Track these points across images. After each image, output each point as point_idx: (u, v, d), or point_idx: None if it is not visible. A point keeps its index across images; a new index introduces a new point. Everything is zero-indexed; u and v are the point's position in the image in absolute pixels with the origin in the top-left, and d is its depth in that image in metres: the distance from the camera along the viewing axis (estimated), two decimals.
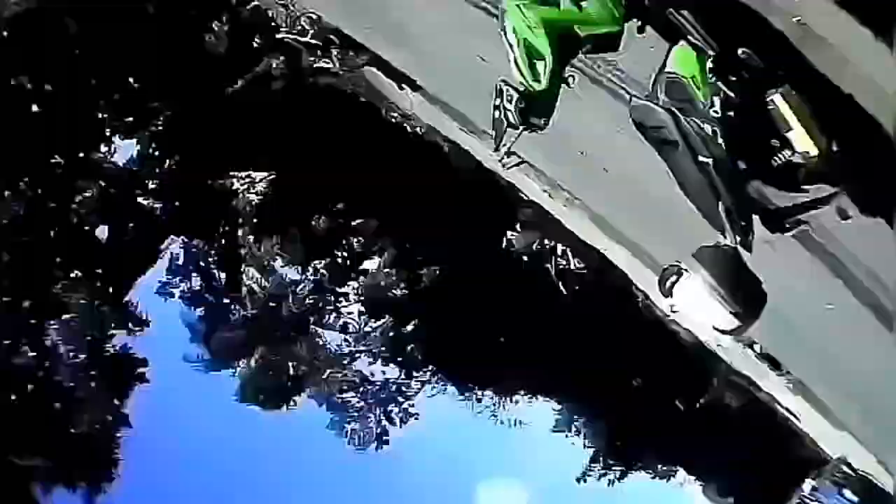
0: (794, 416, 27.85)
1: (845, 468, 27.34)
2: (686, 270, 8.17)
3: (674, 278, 8.31)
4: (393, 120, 25.81)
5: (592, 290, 23.97)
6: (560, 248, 21.08)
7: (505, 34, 7.98)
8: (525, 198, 22.49)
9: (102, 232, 33.21)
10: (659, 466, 43.35)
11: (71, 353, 31.31)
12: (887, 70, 7.90)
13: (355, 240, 34.56)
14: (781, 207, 8.95)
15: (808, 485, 28.56)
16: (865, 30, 8.07)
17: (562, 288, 21.36)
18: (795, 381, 23.33)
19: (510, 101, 8.33)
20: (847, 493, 26.86)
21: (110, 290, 33.04)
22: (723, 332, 8.22)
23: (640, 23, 7.84)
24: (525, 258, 21.31)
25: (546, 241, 21.18)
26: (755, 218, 8.53)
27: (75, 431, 30.81)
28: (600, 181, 16.55)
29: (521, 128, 8.66)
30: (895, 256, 10.36)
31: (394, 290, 36.12)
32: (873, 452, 23.05)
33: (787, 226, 8.84)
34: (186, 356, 36.58)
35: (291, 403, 38.88)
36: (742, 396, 32.62)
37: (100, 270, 32.81)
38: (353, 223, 33.67)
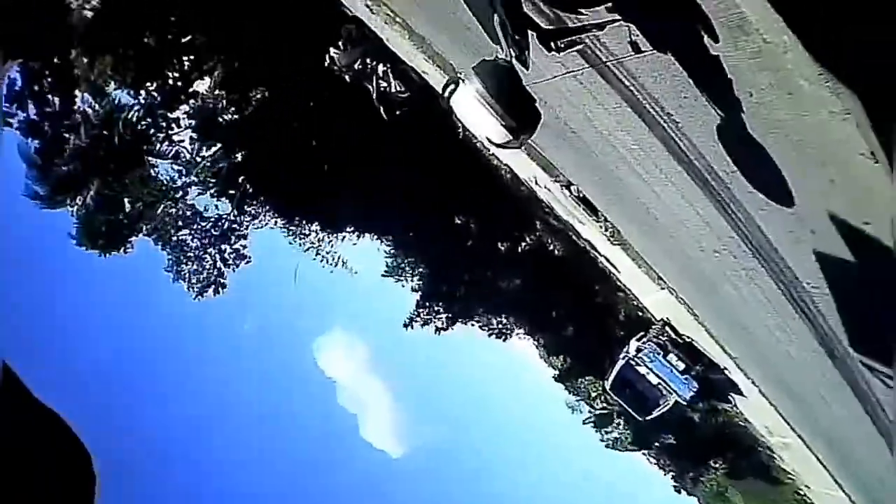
0: (615, 268, 29.05)
1: (669, 331, 28.89)
2: (464, 81, 8.68)
3: (452, 87, 8.83)
4: None
5: (414, 117, 24.42)
6: (381, 68, 21.18)
7: None
8: (348, 13, 22.52)
9: None
10: (489, 319, 45.13)
11: None
12: None
13: (186, 59, 34.20)
14: (554, 27, 9.46)
15: (633, 346, 30.08)
16: None
17: (382, 113, 21.57)
18: (613, 230, 24.27)
19: None
20: (671, 357, 28.44)
21: None
22: (495, 144, 8.81)
23: None
24: (348, 78, 21.36)
25: (368, 61, 21.24)
26: (530, 34, 9.02)
27: None
28: None
29: None
30: (696, 104, 11.04)
31: (224, 115, 36.22)
32: (693, 314, 24.44)
33: (561, 45, 9.35)
34: (27, 192, 36.46)
35: (128, 245, 39.70)
36: (564, 244, 33.91)
37: None
38: (183, 40, 33.27)
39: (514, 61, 8.78)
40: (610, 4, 9.48)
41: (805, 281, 13.97)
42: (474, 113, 8.58)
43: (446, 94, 8.95)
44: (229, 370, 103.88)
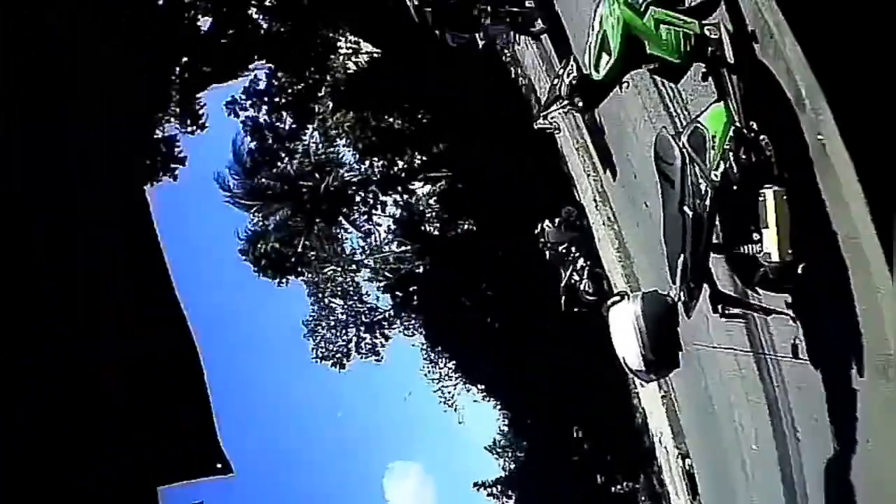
0: None
1: None
2: (628, 298, 9.38)
3: (616, 299, 9.53)
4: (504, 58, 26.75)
5: (587, 322, 25.19)
6: (581, 263, 21.95)
7: (593, 16, 9.15)
8: (576, 196, 23.46)
9: (205, 24, 35.01)
10: None
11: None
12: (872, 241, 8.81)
13: (420, 157, 36.02)
14: (728, 293, 10.03)
15: None
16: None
17: (562, 302, 22.29)
18: None
19: (568, 76, 9.61)
20: None
21: (187, 76, 34.70)
22: (628, 368, 9.36)
23: (705, 70, 8.96)
24: (547, 254, 22.26)
25: (573, 249, 22.06)
26: (705, 287, 9.61)
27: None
28: (639, 214, 17.41)
29: (565, 102, 9.96)
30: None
31: (427, 225, 37.54)
32: None
33: (726, 311, 9.90)
34: (220, 179, 38.96)
35: (284, 282, 41.55)
36: None
37: (186, 58, 34.46)
38: (422, 138, 34.87)
39: (679, 305, 9.38)
40: (789, 300, 9.98)
41: None
42: (623, 331, 9.00)
43: (608, 303, 9.64)
44: (299, 443, 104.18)
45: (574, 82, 9.46)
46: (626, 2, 8.75)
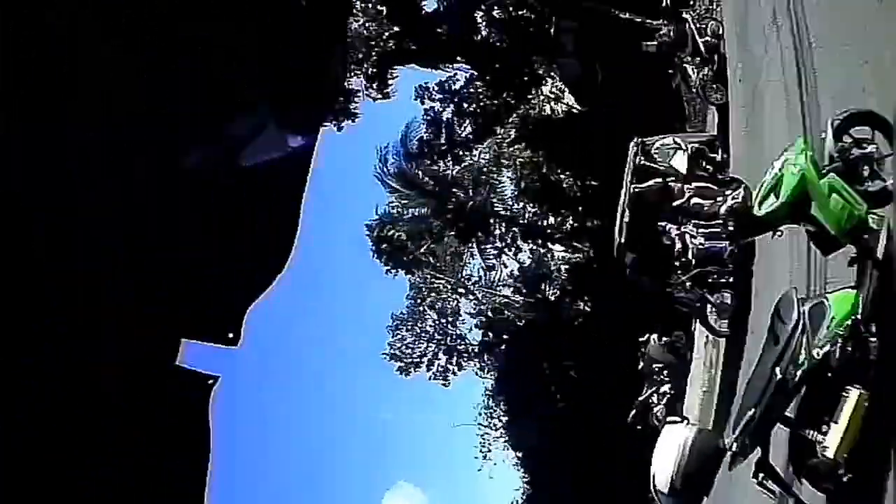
0: None
1: None
2: (685, 423, 9.60)
3: (676, 418, 9.76)
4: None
5: (649, 446, 25.28)
6: (666, 388, 22.08)
7: (779, 156, 9.31)
8: (692, 326, 23.35)
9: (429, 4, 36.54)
10: None
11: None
12: None
13: (571, 220, 36.12)
14: (774, 466, 10.06)
15: None
16: None
17: (631, 415, 22.55)
18: None
19: (732, 199, 9.85)
20: None
21: (392, 45, 36.12)
22: (653, 485, 9.54)
23: (856, 254, 9.10)
24: (641, 364, 22.48)
25: (665, 372, 22.16)
26: (757, 451, 9.67)
27: None
28: (741, 367, 17.31)
29: (720, 220, 10.21)
30: None
31: (548, 287, 37.64)
32: None
33: (762, 482, 9.93)
34: (381, 152, 39.74)
35: (393, 272, 42.04)
36: None
37: (399, 28, 35.75)
38: (582, 206, 35.05)
39: (729, 453, 9.50)
40: (824, 502, 9.94)
41: None
42: (666, 450, 9.17)
43: (668, 419, 9.85)
44: (321, 434, 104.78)
45: (735, 206, 9.66)
46: (813, 158, 8.89)
